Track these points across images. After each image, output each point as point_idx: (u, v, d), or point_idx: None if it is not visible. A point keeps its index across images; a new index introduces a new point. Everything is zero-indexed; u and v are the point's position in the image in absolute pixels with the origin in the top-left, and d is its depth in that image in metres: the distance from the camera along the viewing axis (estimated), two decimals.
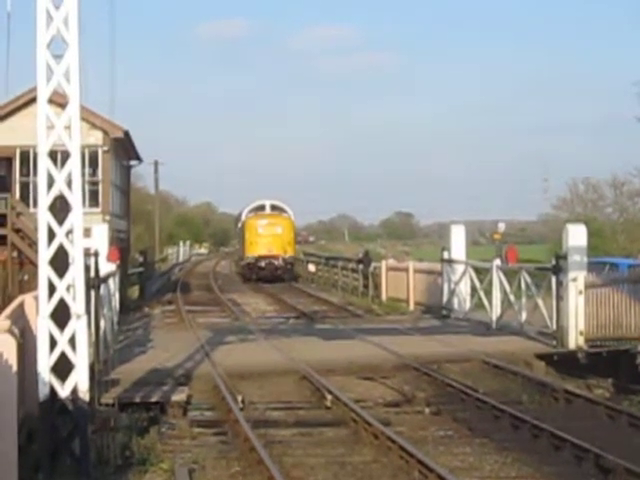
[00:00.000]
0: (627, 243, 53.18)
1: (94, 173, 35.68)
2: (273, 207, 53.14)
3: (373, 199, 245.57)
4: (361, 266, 43.27)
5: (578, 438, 12.74)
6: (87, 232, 15.98)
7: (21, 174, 35.75)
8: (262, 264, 50.07)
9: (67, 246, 12.13)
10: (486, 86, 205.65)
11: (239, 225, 58.72)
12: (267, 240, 50.86)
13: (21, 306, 13.27)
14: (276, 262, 50.04)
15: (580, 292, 20.66)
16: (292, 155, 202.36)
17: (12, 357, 9.57)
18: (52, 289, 11.97)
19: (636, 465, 11.11)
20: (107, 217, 34.46)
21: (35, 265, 14.58)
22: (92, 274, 15.41)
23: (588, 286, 20.83)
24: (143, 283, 43.61)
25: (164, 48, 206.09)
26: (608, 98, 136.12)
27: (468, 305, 28.73)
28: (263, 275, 49.32)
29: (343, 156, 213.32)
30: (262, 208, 53.17)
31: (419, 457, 11.81)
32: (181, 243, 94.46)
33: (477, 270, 28.46)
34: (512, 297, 24.96)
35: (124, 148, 41.28)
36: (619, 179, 62.12)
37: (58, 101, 12.66)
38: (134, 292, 40.36)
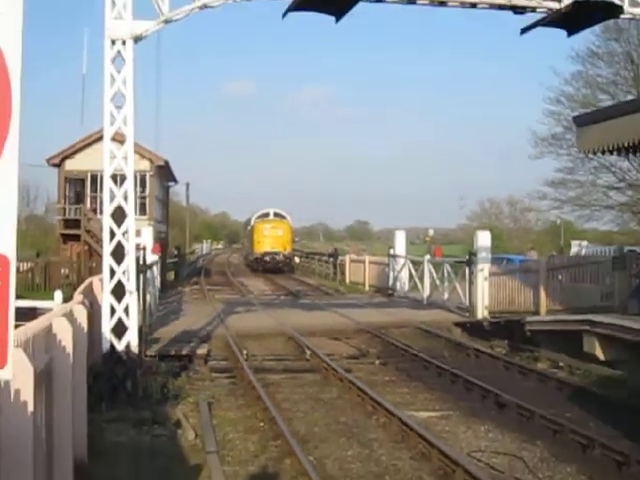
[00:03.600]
0: (519, 244, 59.27)
1: (143, 191, 40.60)
2: (276, 214, 54.60)
3: (341, 211, 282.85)
4: (331, 259, 47.31)
5: (483, 382, 14.12)
6: (138, 233, 17.06)
7: (91, 191, 41.19)
8: (267, 258, 52.03)
9: (123, 242, 13.79)
10: (425, 129, 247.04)
11: (248, 228, 60.31)
12: (271, 240, 52.73)
13: (90, 285, 14.23)
14: (278, 257, 52.04)
15: (485, 278, 22.95)
16: (286, 177, 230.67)
17: (84, 321, 9.52)
18: (112, 273, 13.69)
19: (524, 401, 12.43)
20: (152, 222, 38.25)
21: (100, 256, 15.78)
22: (141, 262, 15.79)
23: (491, 274, 23.27)
24: (177, 269, 46.68)
25: (199, 98, 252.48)
26: (508, 140, 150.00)
27: (407, 287, 31.51)
28: (268, 267, 51.04)
29: (321, 178, 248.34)
30: (267, 215, 54.80)
31: (371, 395, 13.05)
32: (204, 241, 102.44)
33: (413, 262, 31.32)
34: (438, 282, 27.57)
35: (164, 173, 47.12)
36: (514, 199, 74.68)
37: (118, 139, 14.16)
38: (170, 275, 42.84)
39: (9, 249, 2.41)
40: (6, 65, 2.42)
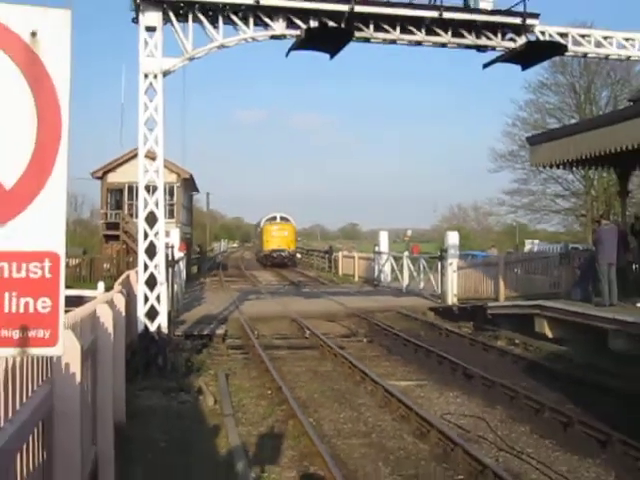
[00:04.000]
0: (482, 243, 58.42)
1: (171, 199, 40.91)
2: (282, 218, 53.92)
3: (335, 214, 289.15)
4: (327, 255, 47.38)
5: (452, 356, 14.20)
6: (167, 233, 16.91)
7: (128, 199, 41.32)
8: (274, 255, 51.40)
9: (155, 242, 13.95)
10: (406, 148, 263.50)
11: (259, 229, 59.50)
12: (278, 239, 52.12)
13: (128, 277, 13.98)
14: (283, 254, 51.48)
15: (454, 271, 22.86)
16: (290, 186, 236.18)
17: (122, 307, 9.53)
18: (146, 267, 13.90)
19: (486, 372, 12.62)
20: (179, 225, 38.42)
21: (136, 253, 15.65)
22: (170, 258, 15.51)
23: (459, 268, 23.21)
24: (199, 264, 46.04)
25: (218, 122, 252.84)
26: (473, 157, 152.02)
27: (389, 278, 31.30)
28: (275, 262, 50.44)
29: (319, 188, 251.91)
30: (275, 218, 54.08)
31: (360, 367, 13.10)
32: (222, 240, 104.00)
33: (395, 258, 30.99)
34: (415, 274, 27.49)
35: (189, 184, 47.82)
36: (478, 205, 75.41)
37: (150, 156, 14.24)
38: (194, 269, 42.29)
39: (60, 247, 2.47)
40: (56, 91, 2.44)
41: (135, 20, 14.29)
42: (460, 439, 8.56)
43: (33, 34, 2.43)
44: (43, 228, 2.43)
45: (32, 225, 2.43)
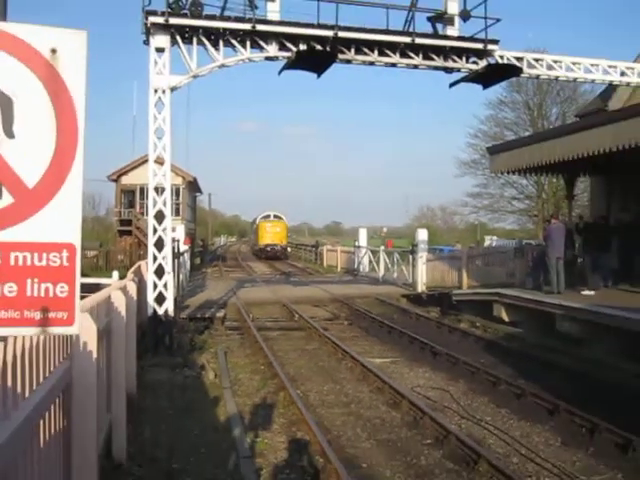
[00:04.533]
0: (448, 239, 58.88)
1: (177, 199, 40.38)
2: (275, 216, 53.50)
3: (321, 213, 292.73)
4: (314, 249, 47.07)
5: (422, 337, 14.19)
6: (173, 229, 16.94)
7: (140, 199, 41.08)
8: (268, 249, 50.80)
9: (163, 236, 13.90)
10: (381, 156, 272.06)
11: (254, 226, 58.89)
12: (271, 235, 51.49)
13: (139, 267, 13.82)
14: (276, 248, 50.85)
15: (424, 263, 22.69)
16: (280, 188, 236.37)
17: (134, 293, 9.46)
18: (155, 258, 13.85)
19: (451, 351, 12.68)
20: (184, 221, 37.86)
21: (146, 246, 15.36)
22: (176, 251, 15.49)
23: (428, 260, 23.06)
24: (202, 256, 45.47)
25: (220, 131, 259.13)
26: (440, 164, 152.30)
27: (367, 269, 31.06)
28: (269, 255, 49.93)
29: (306, 189, 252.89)
30: (268, 216, 53.61)
31: (342, 346, 13.10)
32: (222, 235, 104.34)
33: (372, 251, 30.77)
34: (389, 265, 27.30)
35: (193, 186, 47.36)
36: (444, 206, 76.37)
37: (159, 161, 14.15)
38: (197, 260, 41.75)
39: (76, 239, 2.49)
40: (74, 103, 2.44)
41: (146, 42, 14.25)
42: (428, 408, 8.60)
43: (53, 51, 2.42)
44: (61, 222, 2.45)
45: (52, 219, 2.45)
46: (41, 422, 3.27)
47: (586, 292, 15.10)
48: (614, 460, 6.91)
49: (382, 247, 30.47)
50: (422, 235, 23.66)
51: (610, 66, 17.29)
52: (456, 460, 6.93)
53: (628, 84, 18.01)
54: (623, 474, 6.53)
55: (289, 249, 53.94)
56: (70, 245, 2.47)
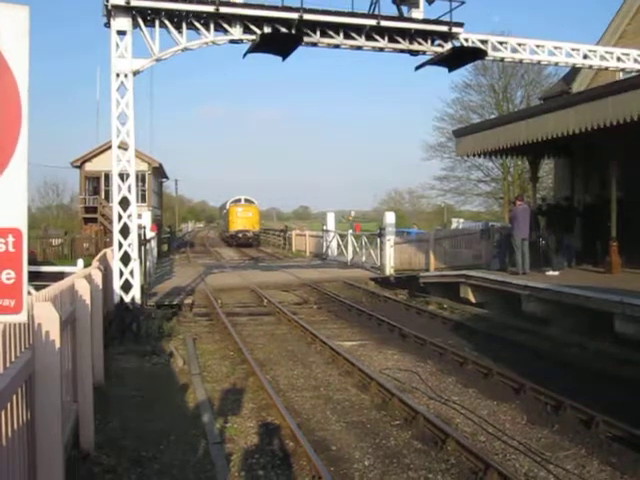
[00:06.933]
0: (416, 222, 58.84)
1: (143, 185, 40.57)
2: (246, 200, 51.84)
3: (289, 198, 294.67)
4: (282, 233, 46.50)
5: (390, 320, 14.23)
6: (139, 216, 16.75)
7: (104, 185, 40.68)
8: (240, 235, 49.38)
9: (128, 223, 13.84)
10: (350, 141, 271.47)
11: (224, 211, 56.97)
12: (242, 220, 50.01)
13: (105, 254, 13.64)
14: (248, 234, 49.50)
15: (391, 246, 22.73)
16: (247, 172, 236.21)
17: (99, 281, 9.34)
18: (120, 245, 13.79)
19: (419, 332, 12.76)
20: (150, 208, 37.83)
21: (112, 233, 15.13)
22: (142, 238, 15.34)
23: (396, 243, 23.11)
24: (169, 242, 44.46)
25: (185, 114, 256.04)
26: (407, 147, 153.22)
27: (335, 253, 31.31)
28: (240, 242, 48.63)
29: (275, 174, 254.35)
30: (239, 200, 51.94)
31: (311, 330, 13.10)
32: (189, 221, 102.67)
33: (340, 235, 30.92)
34: (357, 249, 27.53)
35: (159, 172, 47.25)
36: (412, 189, 76.13)
37: (123, 147, 14.04)
38: (164, 247, 40.79)
39: (22, 224, 2.43)
40: (16, 83, 2.37)
41: (107, 25, 13.97)
42: (396, 390, 8.65)
43: None
44: (6, 207, 2.37)
45: None
46: (2, 414, 3.19)
47: (550, 272, 15.37)
48: (578, 436, 7.04)
49: (350, 231, 30.51)
50: (390, 218, 23.68)
51: (573, 49, 17.50)
52: (425, 440, 6.99)
53: (590, 67, 18.26)
54: (587, 449, 6.67)
55: (261, 236, 52.98)
56: (16, 230, 2.39)
